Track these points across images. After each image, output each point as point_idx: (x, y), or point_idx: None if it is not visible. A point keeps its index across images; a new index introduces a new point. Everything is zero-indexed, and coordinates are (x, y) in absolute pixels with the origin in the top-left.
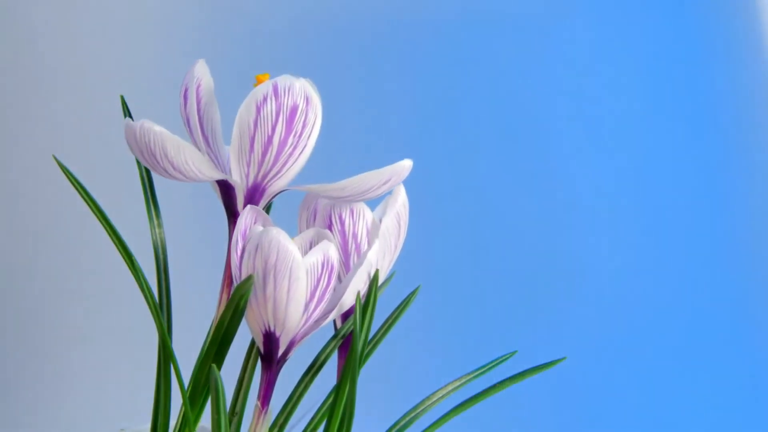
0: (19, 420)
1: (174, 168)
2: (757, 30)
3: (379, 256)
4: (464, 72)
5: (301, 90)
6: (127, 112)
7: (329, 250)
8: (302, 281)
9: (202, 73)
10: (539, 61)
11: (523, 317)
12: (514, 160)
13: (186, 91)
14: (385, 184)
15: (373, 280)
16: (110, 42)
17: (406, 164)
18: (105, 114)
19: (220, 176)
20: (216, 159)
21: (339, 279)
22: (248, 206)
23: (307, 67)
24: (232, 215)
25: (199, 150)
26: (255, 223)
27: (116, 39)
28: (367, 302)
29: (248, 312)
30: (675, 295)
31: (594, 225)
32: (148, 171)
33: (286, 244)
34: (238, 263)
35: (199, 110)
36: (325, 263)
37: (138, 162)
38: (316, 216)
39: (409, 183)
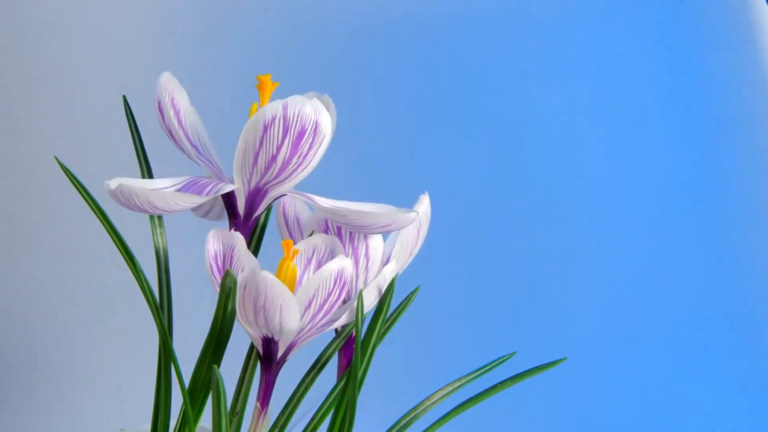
0: (19, 420)
1: (168, 211)
2: (755, 30)
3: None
4: (461, 71)
5: (311, 114)
6: (129, 113)
7: (344, 264)
8: (295, 313)
9: (172, 85)
10: (536, 62)
11: (523, 318)
12: (514, 160)
13: (159, 103)
14: (384, 227)
15: (387, 294)
16: (112, 41)
17: (410, 216)
18: (107, 115)
19: (214, 196)
20: (209, 163)
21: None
22: (212, 231)
23: (306, 65)
24: (234, 216)
25: (190, 157)
26: (223, 244)
27: (117, 38)
28: (377, 315)
29: (243, 322)
30: (675, 294)
31: (593, 225)
32: (149, 172)
33: (273, 287)
34: (215, 280)
35: (180, 121)
36: (338, 279)
37: (140, 163)
38: (299, 219)
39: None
